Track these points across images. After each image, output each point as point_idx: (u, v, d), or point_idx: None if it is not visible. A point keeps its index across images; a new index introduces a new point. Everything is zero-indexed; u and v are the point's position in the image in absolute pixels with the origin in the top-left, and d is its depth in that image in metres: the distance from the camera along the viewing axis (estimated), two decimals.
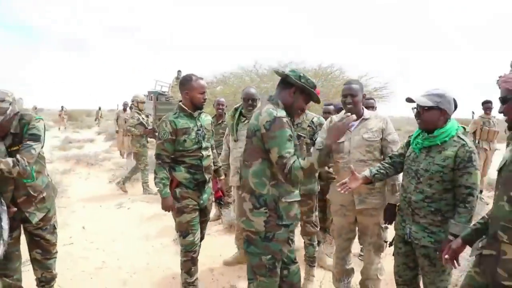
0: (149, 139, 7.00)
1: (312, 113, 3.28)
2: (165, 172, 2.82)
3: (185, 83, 2.87)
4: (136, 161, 7.06)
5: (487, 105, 6.63)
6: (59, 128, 23.69)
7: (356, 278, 2.94)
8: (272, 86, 9.68)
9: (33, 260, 2.70)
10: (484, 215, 1.89)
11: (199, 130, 2.91)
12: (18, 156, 2.30)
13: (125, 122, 8.29)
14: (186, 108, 2.88)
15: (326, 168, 3.51)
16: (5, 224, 2.30)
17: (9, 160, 2.26)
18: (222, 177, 3.36)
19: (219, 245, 4.25)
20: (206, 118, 3.04)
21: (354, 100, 2.62)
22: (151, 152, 5.92)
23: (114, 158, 10.68)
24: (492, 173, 3.31)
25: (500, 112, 1.70)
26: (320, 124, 3.12)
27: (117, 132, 10.71)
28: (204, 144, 2.93)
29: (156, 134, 3.01)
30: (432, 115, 2.17)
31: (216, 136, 4.87)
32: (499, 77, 1.69)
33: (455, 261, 1.94)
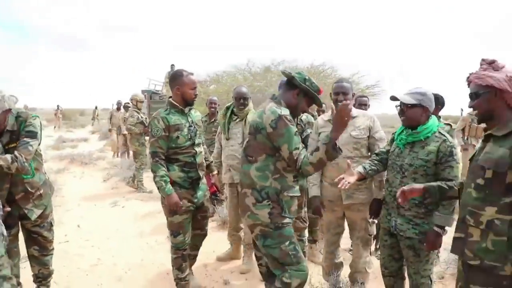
0: (146, 137, 7.07)
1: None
2: (164, 169, 2.75)
3: (176, 78, 2.83)
4: (134, 159, 7.11)
5: None
6: (54, 127, 23.56)
7: (346, 271, 3.04)
8: (265, 85, 9.77)
9: (31, 257, 2.77)
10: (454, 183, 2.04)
11: (191, 126, 2.88)
12: (16, 152, 2.36)
13: (124, 121, 8.27)
14: (177, 104, 2.84)
15: None
16: None
17: (8, 156, 2.32)
18: (215, 172, 3.36)
19: (212, 241, 4.32)
20: (196, 114, 3.02)
21: (346, 98, 2.71)
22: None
23: (108, 157, 10.70)
24: None
25: (470, 107, 1.80)
26: (309, 122, 3.20)
27: (110, 131, 10.68)
28: (196, 141, 2.91)
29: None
30: (415, 112, 2.27)
31: (209, 135, 4.94)
32: (470, 74, 1.78)
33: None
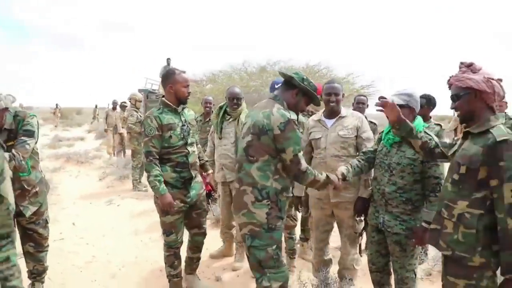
0: None
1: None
2: (158, 169, 2.73)
3: (168, 76, 2.82)
4: (132, 158, 7.15)
5: None
6: (55, 126, 23.49)
7: (335, 268, 3.10)
8: (261, 84, 9.84)
9: (26, 253, 2.82)
10: None
11: (184, 125, 2.86)
12: (13, 151, 2.42)
13: (124, 120, 8.24)
14: (170, 104, 2.82)
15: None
16: None
17: (6, 154, 2.38)
18: (210, 172, 3.37)
19: (205, 239, 4.38)
20: (189, 113, 2.99)
21: (337, 99, 2.79)
22: None
23: (104, 156, 10.72)
24: None
25: (452, 108, 1.88)
26: (300, 122, 3.26)
27: (105, 131, 10.61)
28: (189, 140, 2.89)
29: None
30: (402, 113, 2.34)
31: (204, 134, 4.98)
32: (450, 76, 1.86)
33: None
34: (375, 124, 4.08)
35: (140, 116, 6.95)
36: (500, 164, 1.65)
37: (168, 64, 13.62)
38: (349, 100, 9.26)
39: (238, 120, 3.50)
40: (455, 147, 1.91)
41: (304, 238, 3.97)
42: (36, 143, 2.62)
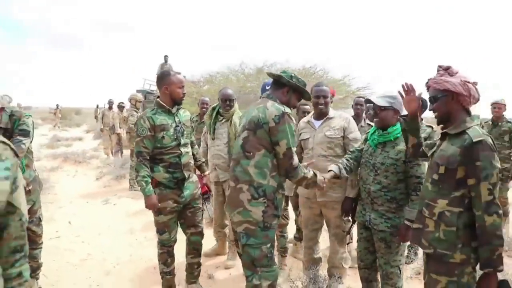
0: None
1: None
2: (147, 170, 2.77)
3: (164, 78, 2.83)
4: (131, 158, 7.18)
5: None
6: (54, 126, 23.50)
7: (325, 266, 3.17)
8: (258, 86, 9.89)
9: None
10: None
11: (178, 126, 2.87)
12: None
13: (124, 120, 8.19)
14: (165, 104, 2.83)
15: None
16: None
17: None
18: (207, 173, 3.39)
19: None
20: (185, 114, 2.99)
21: (326, 101, 2.86)
22: None
23: (101, 156, 10.78)
24: None
25: (430, 110, 1.95)
26: None
27: (102, 130, 10.57)
28: (182, 141, 2.89)
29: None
30: (387, 114, 2.43)
31: (199, 135, 5.03)
32: (429, 79, 1.93)
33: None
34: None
35: None
36: (477, 164, 1.72)
37: (166, 61, 13.65)
38: (345, 102, 9.37)
39: (230, 121, 3.57)
40: (434, 148, 1.99)
41: (298, 238, 4.03)
42: (31, 142, 2.68)
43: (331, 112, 2.91)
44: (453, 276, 1.80)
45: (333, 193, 2.82)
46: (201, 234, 3.12)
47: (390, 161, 2.39)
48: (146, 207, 2.81)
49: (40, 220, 2.89)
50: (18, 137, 2.56)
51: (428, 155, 2.05)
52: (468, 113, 1.86)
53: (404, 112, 2.39)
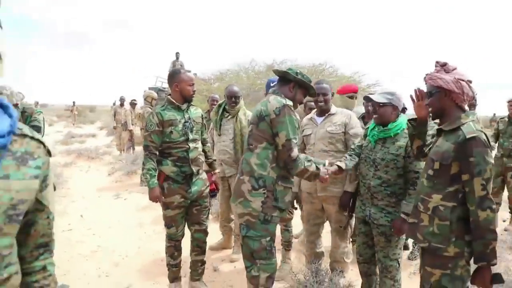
0: None
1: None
2: (153, 163, 2.85)
3: (174, 75, 2.92)
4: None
5: (471, 102, 6.83)
6: (73, 124, 23.85)
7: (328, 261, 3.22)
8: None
9: None
10: None
11: (187, 122, 2.92)
12: None
13: (139, 117, 8.28)
14: (174, 101, 2.91)
15: None
16: None
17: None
18: (217, 171, 3.43)
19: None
20: (196, 111, 3.06)
21: (326, 99, 2.91)
22: None
23: (114, 152, 10.98)
24: None
25: (426, 105, 1.99)
26: None
27: (114, 128, 10.76)
28: (191, 136, 2.93)
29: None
30: (385, 111, 2.47)
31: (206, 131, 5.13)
32: (426, 74, 1.96)
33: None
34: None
35: None
36: (470, 160, 1.75)
37: (177, 58, 13.79)
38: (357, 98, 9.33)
39: (236, 117, 3.64)
40: (431, 145, 2.02)
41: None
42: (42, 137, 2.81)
43: (333, 109, 2.96)
44: (447, 269, 1.83)
45: (334, 188, 2.86)
46: (205, 232, 3.16)
47: (391, 156, 2.43)
48: (150, 199, 2.91)
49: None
50: None
51: (425, 151, 2.09)
52: (462, 109, 1.89)
53: (412, 113, 2.42)
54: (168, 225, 3.05)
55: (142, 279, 3.48)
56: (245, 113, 3.69)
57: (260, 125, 2.27)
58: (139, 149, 9.87)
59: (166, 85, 14.89)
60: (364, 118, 3.52)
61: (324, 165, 2.44)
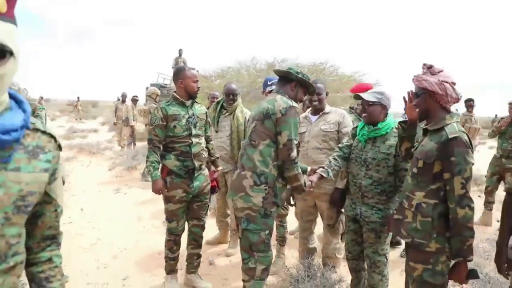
0: None
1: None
2: (156, 156, 2.94)
3: (179, 73, 3.02)
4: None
5: (469, 103, 6.87)
6: (76, 119, 23.92)
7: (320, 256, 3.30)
8: None
9: None
10: None
11: (191, 117, 3.00)
12: None
13: (144, 113, 8.37)
14: (179, 97, 3.00)
15: None
16: None
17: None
18: (220, 168, 3.48)
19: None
20: (200, 108, 3.15)
21: (320, 98, 2.99)
22: None
23: (115, 148, 11.09)
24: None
25: (413, 105, 2.06)
26: None
27: (115, 124, 10.83)
28: (194, 132, 3.00)
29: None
30: (375, 110, 2.53)
31: None
32: (414, 76, 2.03)
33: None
34: None
35: None
36: (452, 159, 1.83)
37: (180, 54, 13.89)
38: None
39: (233, 115, 3.72)
40: (417, 144, 2.10)
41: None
42: None
43: (327, 108, 3.04)
44: (429, 264, 1.91)
45: (326, 185, 2.93)
46: (202, 227, 3.23)
47: (382, 155, 2.49)
48: (153, 191, 2.97)
49: None
50: None
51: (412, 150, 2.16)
52: (447, 110, 1.96)
53: (403, 114, 2.49)
54: (169, 219, 3.11)
55: (139, 271, 3.57)
56: (242, 111, 3.77)
57: (265, 123, 2.34)
58: (140, 144, 9.98)
59: (167, 82, 14.99)
60: None
61: (306, 171, 2.53)
